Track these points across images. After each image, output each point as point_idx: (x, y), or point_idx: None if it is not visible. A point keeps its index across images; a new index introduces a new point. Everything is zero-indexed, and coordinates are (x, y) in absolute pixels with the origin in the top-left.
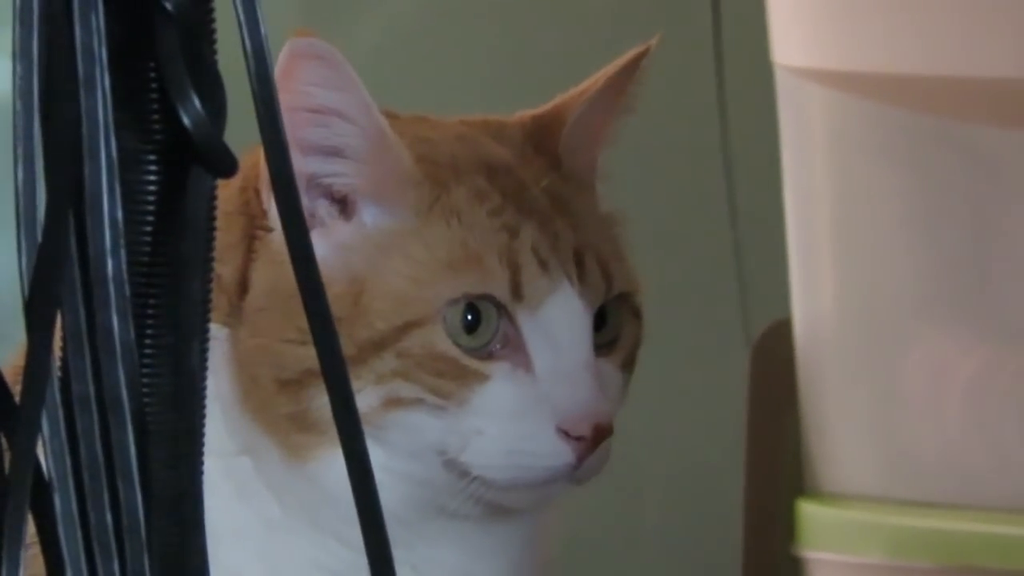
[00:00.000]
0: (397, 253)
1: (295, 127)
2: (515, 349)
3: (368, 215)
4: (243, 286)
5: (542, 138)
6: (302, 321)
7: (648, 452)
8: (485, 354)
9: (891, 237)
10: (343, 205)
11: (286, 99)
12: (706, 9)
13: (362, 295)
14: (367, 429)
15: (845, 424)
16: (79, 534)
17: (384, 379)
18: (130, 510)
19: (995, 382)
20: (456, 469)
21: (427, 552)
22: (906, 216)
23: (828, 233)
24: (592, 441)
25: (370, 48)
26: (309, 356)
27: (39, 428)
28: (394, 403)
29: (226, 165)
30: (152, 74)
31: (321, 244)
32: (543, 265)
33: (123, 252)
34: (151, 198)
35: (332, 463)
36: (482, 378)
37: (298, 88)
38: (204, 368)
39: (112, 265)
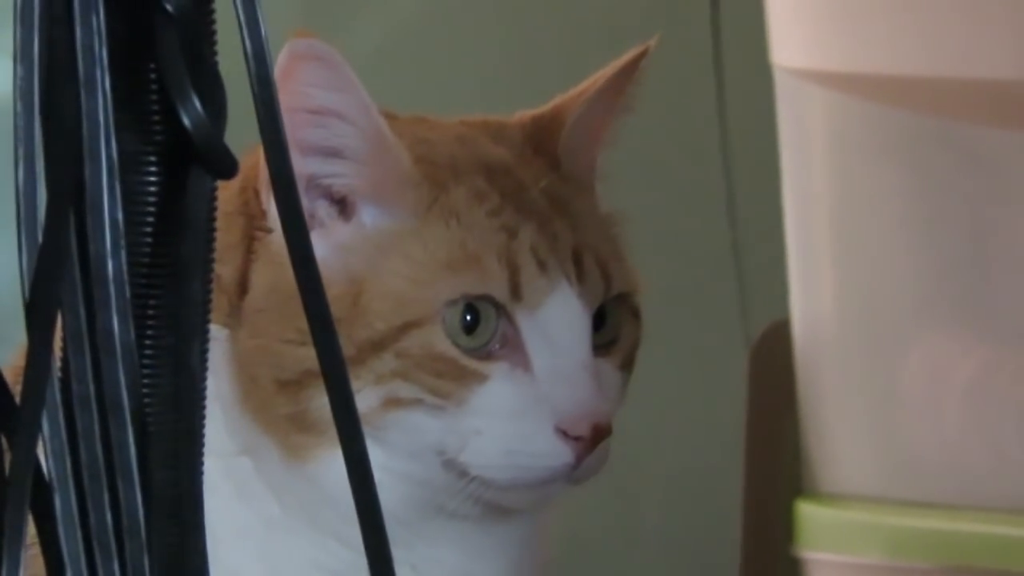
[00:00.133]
0: (396, 254)
1: (294, 128)
2: (514, 349)
3: (367, 216)
4: (243, 287)
5: (541, 139)
6: (301, 322)
7: (647, 452)
8: (484, 354)
9: (890, 238)
10: (342, 206)
11: (285, 100)
12: (705, 10)
13: (361, 295)
14: (366, 429)
15: (844, 425)
16: (79, 534)
17: (383, 379)
18: (130, 510)
19: (994, 383)
20: (455, 469)
21: (426, 552)
22: (905, 217)
23: (827, 234)
24: (591, 441)
25: (370, 48)
26: (308, 357)
27: (39, 428)
28: (393, 403)
29: (226, 166)
30: (153, 75)
31: (320, 245)
32: (542, 265)
33: (123, 253)
34: (151, 199)
35: (332, 463)
36: (481, 378)
37: (297, 89)
38: (204, 369)
39: (112, 266)
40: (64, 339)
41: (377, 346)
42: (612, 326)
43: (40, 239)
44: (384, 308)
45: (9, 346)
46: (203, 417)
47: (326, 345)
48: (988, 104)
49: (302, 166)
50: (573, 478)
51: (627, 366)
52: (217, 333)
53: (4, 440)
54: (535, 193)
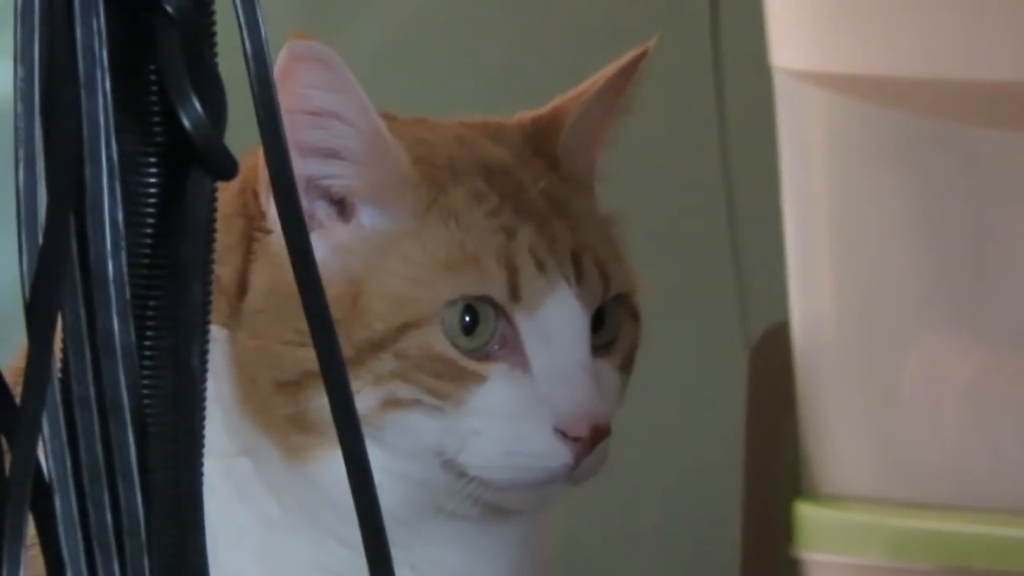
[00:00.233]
0: (395, 254)
1: (293, 129)
2: (513, 350)
3: (366, 217)
4: (242, 288)
5: (541, 139)
6: (300, 323)
7: (647, 453)
8: (483, 355)
9: (890, 239)
10: (341, 207)
11: (284, 101)
12: (705, 11)
13: (360, 296)
14: (365, 430)
15: (843, 426)
16: (79, 535)
17: (382, 380)
18: (130, 511)
19: (993, 384)
20: (454, 470)
21: (426, 552)
22: (905, 219)
23: (827, 235)
24: (590, 442)
25: (370, 49)
26: (307, 358)
27: (39, 429)
28: (392, 404)
29: (226, 167)
30: (153, 76)
31: (319, 246)
32: (541, 266)
33: (123, 254)
34: (152, 200)
35: (331, 464)
36: (480, 379)
37: (296, 90)
38: (204, 369)
39: (113, 267)
40: (64, 340)
41: (376, 347)
42: (611, 327)
43: (40, 240)
44: (383, 309)
45: (9, 347)
46: (203, 418)
47: (325, 346)
48: (987, 105)
49: (301, 167)
50: (572, 479)
51: (626, 367)
52: (217, 334)
53: (4, 441)
54: (534, 194)
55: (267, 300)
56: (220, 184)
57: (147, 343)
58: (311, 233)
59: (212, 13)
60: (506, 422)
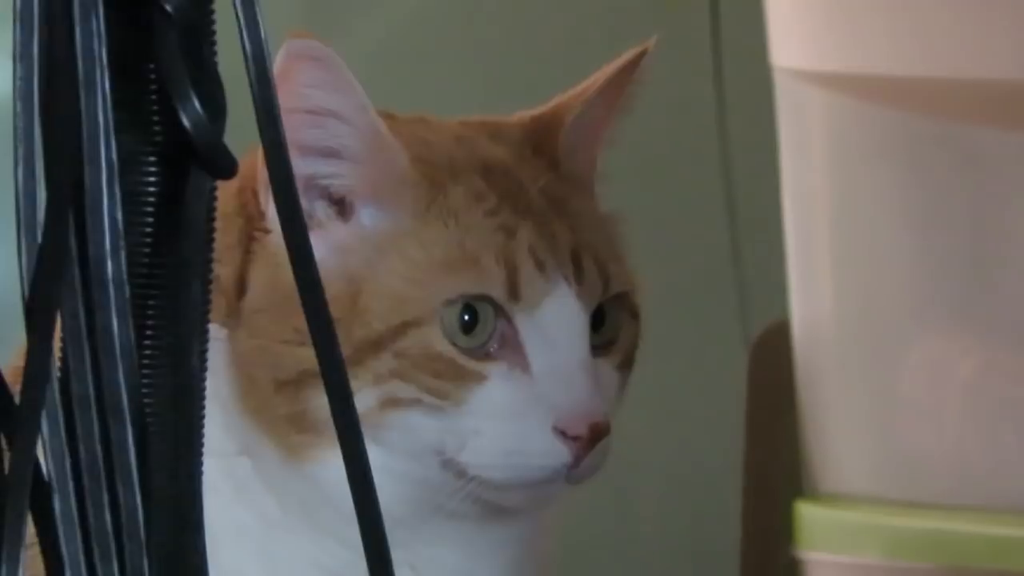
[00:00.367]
0: (394, 254)
1: (292, 128)
2: (512, 349)
3: (366, 216)
4: (241, 287)
5: (541, 138)
6: (299, 322)
7: (647, 453)
8: (482, 354)
9: (889, 238)
10: (341, 206)
11: (283, 100)
12: (705, 11)
13: (360, 296)
14: (365, 429)
15: (843, 425)
16: (78, 535)
17: (381, 379)
18: (129, 511)
19: (993, 383)
20: (454, 469)
21: (425, 552)
22: (904, 218)
23: (826, 234)
24: (589, 441)
25: (370, 49)
26: (307, 357)
27: (38, 429)
28: (392, 403)
29: (226, 166)
30: (152, 75)
31: (319, 245)
32: (540, 265)
33: (123, 253)
34: (151, 199)
35: (331, 463)
36: (479, 378)
37: (295, 89)
38: (204, 369)
39: (112, 266)
40: (63, 339)
41: (375, 346)
42: (611, 326)
43: (40, 239)
44: (382, 308)
45: (8, 346)
46: (203, 417)
47: (325, 345)
48: (987, 105)
49: (300, 166)
50: (572, 478)
51: (626, 366)
52: (216, 333)
53: (4, 440)
54: (534, 193)
55: (266, 299)
56: (219, 183)
57: (146, 342)
58: (310, 232)
59: (211, 12)
60: (505, 421)
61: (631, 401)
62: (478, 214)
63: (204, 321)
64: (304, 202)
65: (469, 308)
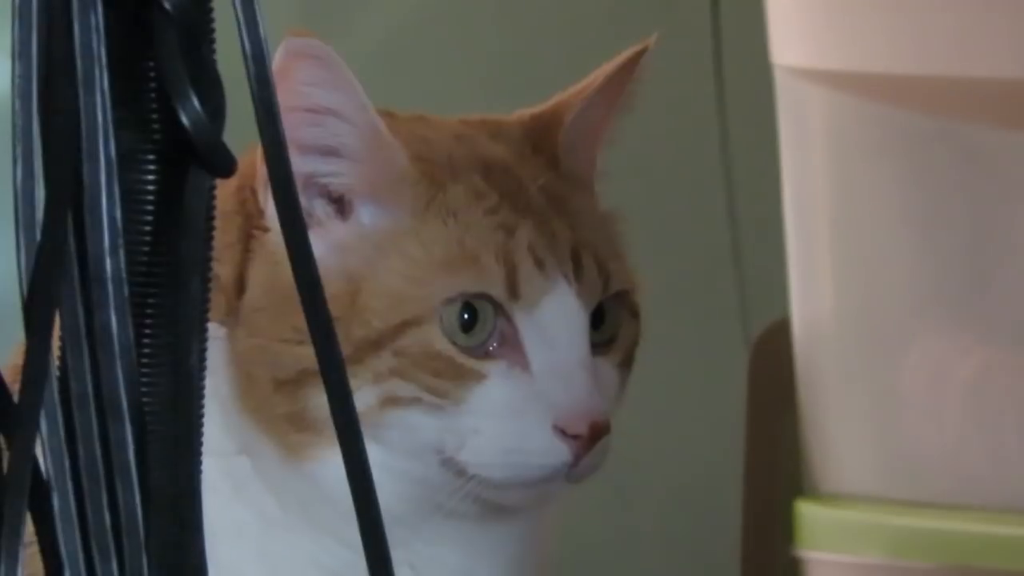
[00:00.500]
0: (394, 252)
1: (291, 127)
2: (512, 348)
3: (365, 214)
4: (240, 286)
5: (541, 137)
6: (298, 321)
7: (648, 452)
8: (482, 353)
9: (890, 237)
10: (340, 204)
11: (282, 99)
12: (705, 9)
13: (359, 294)
14: (364, 428)
15: (844, 424)
16: (77, 534)
17: (381, 378)
18: (128, 510)
19: (994, 382)
20: (453, 468)
21: (425, 551)
22: (905, 216)
23: (827, 233)
24: (589, 439)
25: (369, 48)
26: (306, 356)
27: (37, 427)
28: (391, 402)
29: (225, 165)
30: (151, 74)
31: (318, 244)
32: (539, 264)
33: (122, 251)
34: (150, 198)
35: (330, 462)
36: (479, 377)
37: (294, 88)
38: (203, 368)
39: (111, 264)
40: (62, 338)
41: (375, 345)
42: (611, 324)
43: (38, 238)
44: (382, 307)
45: (7, 345)
46: (202, 416)
47: (324, 344)
48: (986, 102)
49: (299, 165)
50: (571, 476)
51: (626, 364)
52: (215, 332)
53: (2, 439)
54: (533, 191)
55: (265, 298)
56: (218, 182)
57: (145, 341)
58: (309, 231)
59: (211, 10)
60: (505, 420)
61: (631, 400)
62: (478, 212)
63: (203, 320)
64: (303, 200)
65: (469, 307)
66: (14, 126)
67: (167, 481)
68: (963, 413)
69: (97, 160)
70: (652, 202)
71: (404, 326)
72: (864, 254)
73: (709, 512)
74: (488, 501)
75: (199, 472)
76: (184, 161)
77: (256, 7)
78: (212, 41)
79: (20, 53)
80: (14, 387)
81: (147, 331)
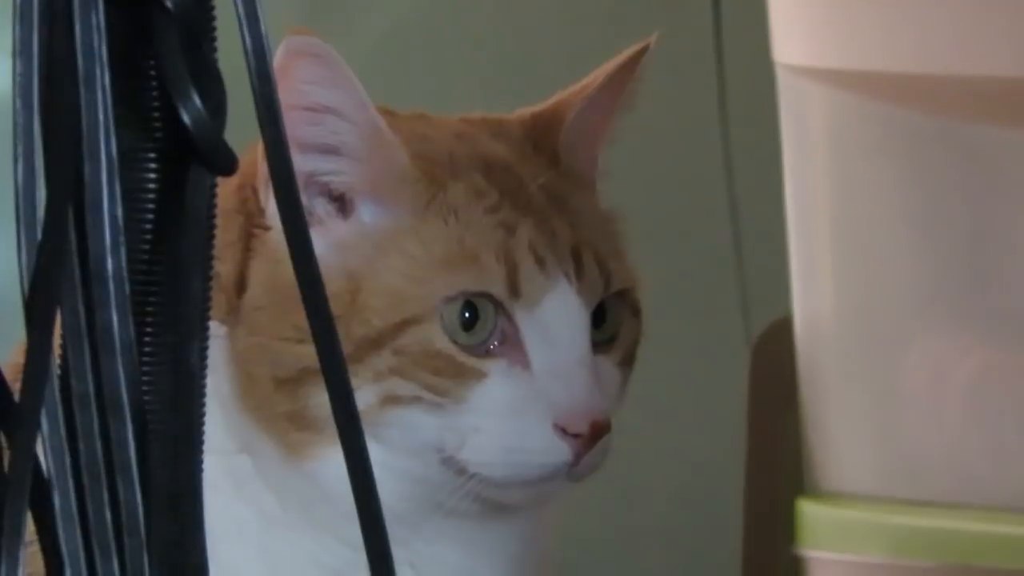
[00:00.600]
0: (394, 251)
1: (292, 125)
2: (512, 346)
3: (366, 213)
4: (241, 284)
5: (541, 135)
6: (299, 319)
7: (648, 451)
8: (482, 351)
9: (891, 236)
10: (341, 203)
11: (282, 97)
12: (706, 7)
13: (359, 293)
14: (365, 427)
15: (845, 423)
16: (78, 532)
17: (381, 377)
18: (129, 508)
19: (995, 381)
20: (454, 466)
21: (426, 550)
22: (906, 215)
23: (828, 232)
24: (589, 438)
25: (370, 47)
26: (306, 354)
27: (38, 426)
28: (392, 401)
29: (226, 163)
30: (152, 72)
31: (318, 242)
32: (540, 262)
33: (123, 250)
34: (151, 196)
35: (331, 461)
36: (479, 375)
37: (294, 86)
38: (204, 366)
39: (112, 263)
40: (63, 336)
41: (375, 343)
42: (612, 323)
43: (39, 236)
44: (382, 305)
45: (8, 343)
46: (203, 415)
47: (325, 342)
48: (988, 101)
49: (300, 163)
50: (572, 475)
51: (627, 363)
52: (216, 330)
53: (3, 438)
54: (534, 190)
55: (266, 296)
56: (219, 180)
57: (146, 340)
58: (310, 230)
59: (212, 8)
60: (506, 418)
61: (632, 399)
62: (478, 211)
63: (204, 318)
64: (304, 199)
65: (469, 305)
66: (15, 125)
67: (168, 479)
68: (963, 412)
69: (98, 158)
70: (653, 201)
71: (404, 324)
72: (865, 253)
73: (710, 511)
74: (489, 500)
75: (200, 471)
76: (185, 159)
77: (257, 5)
78: (213, 39)
79: (21, 51)
80: (15, 386)
81: (148, 329)
